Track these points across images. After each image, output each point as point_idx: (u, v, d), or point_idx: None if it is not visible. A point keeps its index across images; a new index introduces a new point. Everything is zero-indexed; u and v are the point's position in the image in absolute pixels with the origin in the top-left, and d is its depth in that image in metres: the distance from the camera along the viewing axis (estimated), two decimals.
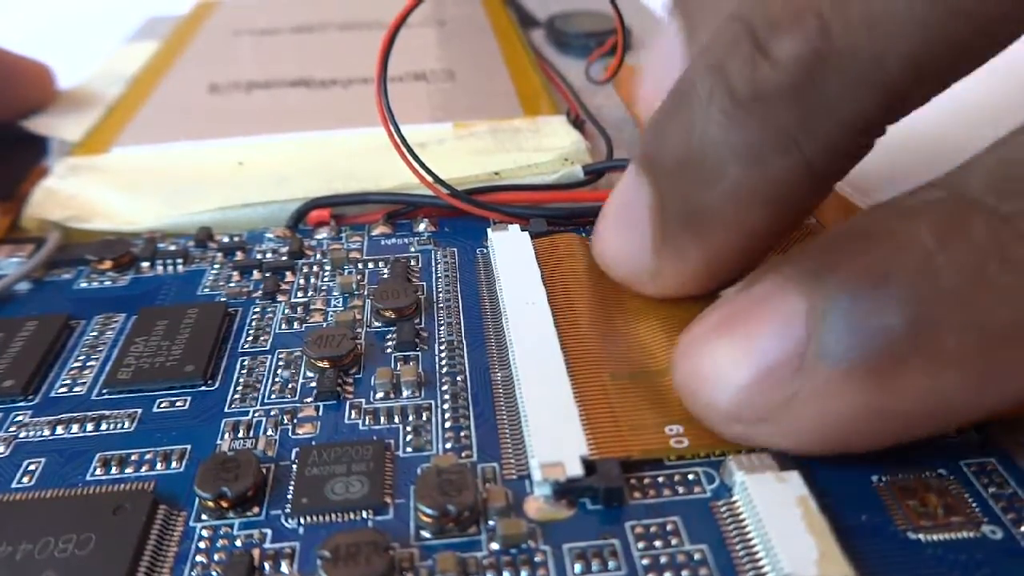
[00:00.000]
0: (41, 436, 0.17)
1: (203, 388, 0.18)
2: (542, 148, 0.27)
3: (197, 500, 0.15)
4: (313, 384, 0.18)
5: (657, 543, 0.14)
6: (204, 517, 0.15)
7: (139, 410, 0.18)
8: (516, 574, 0.14)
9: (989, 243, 0.13)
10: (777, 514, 0.14)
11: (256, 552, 0.14)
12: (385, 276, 0.22)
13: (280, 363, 0.19)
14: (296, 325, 0.20)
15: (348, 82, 0.34)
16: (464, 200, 0.23)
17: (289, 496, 0.15)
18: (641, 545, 0.14)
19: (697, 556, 0.14)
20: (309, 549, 0.14)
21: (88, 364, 0.19)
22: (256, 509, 0.15)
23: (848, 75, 0.15)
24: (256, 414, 0.17)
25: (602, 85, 0.31)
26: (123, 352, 0.19)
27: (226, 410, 0.18)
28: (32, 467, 0.16)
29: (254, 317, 0.20)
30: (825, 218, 0.23)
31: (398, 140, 0.22)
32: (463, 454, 0.16)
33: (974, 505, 0.15)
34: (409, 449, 0.16)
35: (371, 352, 0.19)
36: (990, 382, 0.13)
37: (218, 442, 0.17)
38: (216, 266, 0.23)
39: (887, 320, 0.13)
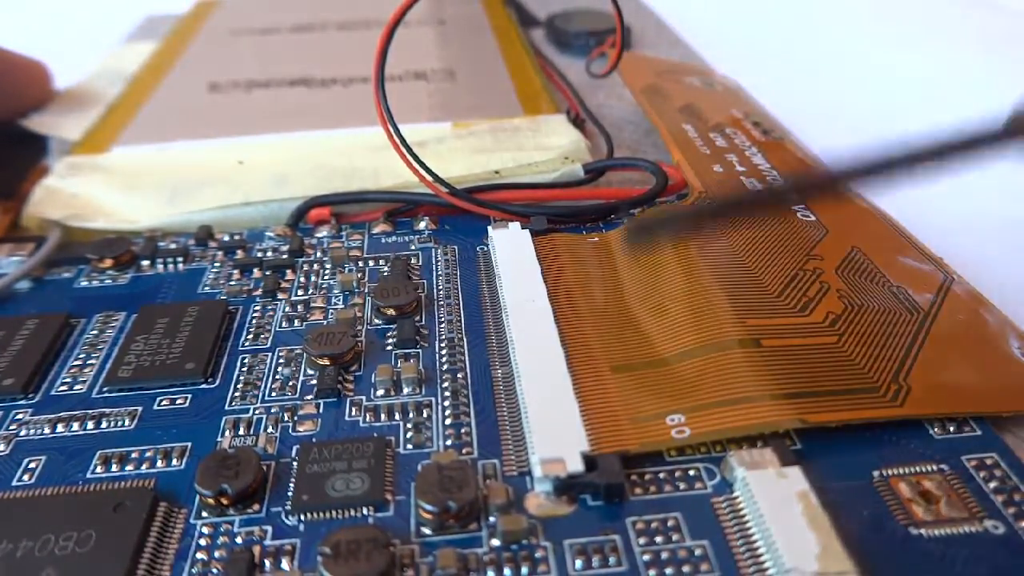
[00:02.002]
0: (41, 434, 0.17)
1: (203, 386, 0.18)
2: (542, 147, 0.27)
3: (197, 497, 0.15)
4: (313, 382, 0.18)
5: (658, 539, 0.14)
6: (205, 514, 0.15)
7: (139, 408, 0.18)
8: (517, 570, 0.14)
9: None
10: (778, 509, 0.14)
11: (257, 549, 0.14)
12: (385, 274, 0.22)
13: (280, 361, 0.19)
14: (296, 323, 0.20)
15: (348, 81, 0.34)
16: (464, 198, 0.23)
17: (290, 493, 0.15)
18: (642, 541, 0.14)
19: (698, 552, 0.14)
20: (310, 546, 0.14)
21: (88, 362, 0.19)
22: (257, 506, 0.15)
23: None
24: (256, 411, 0.17)
25: (602, 80, 0.31)
26: (123, 350, 0.19)
27: (226, 408, 0.18)
28: (32, 465, 0.16)
29: (254, 315, 0.20)
30: (824, 216, 0.23)
31: (396, 139, 0.22)
32: (464, 451, 0.16)
33: (975, 500, 0.15)
34: (410, 446, 0.16)
35: (371, 349, 0.19)
36: None
37: (218, 439, 0.17)
38: (216, 264, 0.23)
39: None
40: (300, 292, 0.21)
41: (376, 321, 0.20)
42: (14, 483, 0.16)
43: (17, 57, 0.31)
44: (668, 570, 0.14)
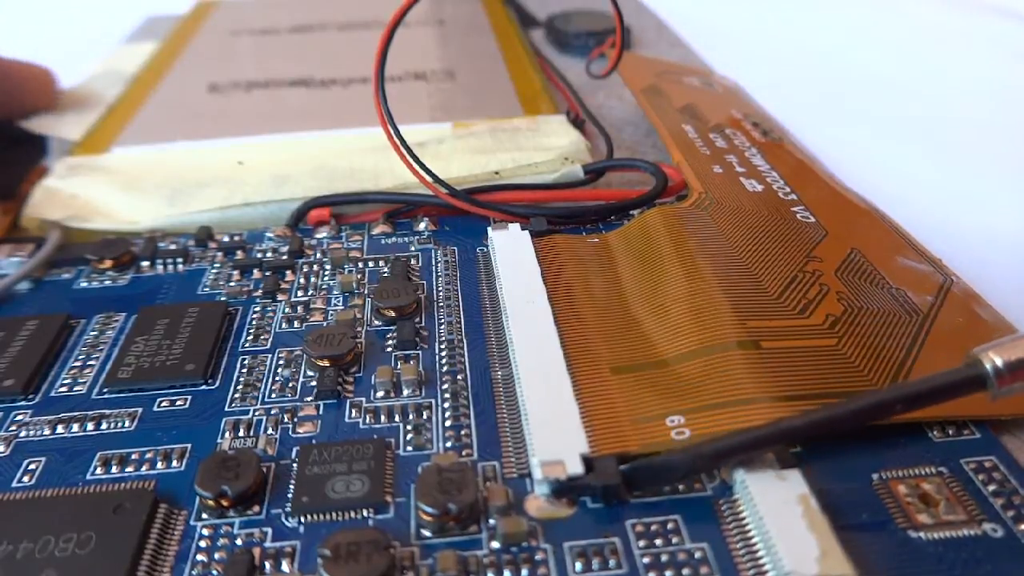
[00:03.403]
0: (41, 435, 0.17)
1: (203, 387, 0.18)
2: (542, 147, 0.27)
3: (198, 499, 0.15)
4: (313, 383, 0.18)
5: (658, 541, 0.14)
6: (205, 516, 0.15)
7: (139, 409, 0.18)
8: (517, 573, 0.14)
9: None
10: (778, 512, 0.14)
11: (257, 551, 0.14)
12: (385, 275, 0.22)
13: (280, 362, 0.19)
14: (296, 324, 0.20)
15: (348, 82, 0.34)
16: (464, 199, 0.23)
17: (290, 495, 0.15)
18: (642, 543, 0.14)
19: (698, 554, 0.14)
20: (310, 548, 0.14)
21: (88, 363, 0.19)
22: (257, 508, 0.15)
23: None
24: (256, 413, 0.17)
25: (602, 80, 0.31)
26: (123, 351, 0.19)
27: (226, 409, 0.18)
28: (32, 466, 0.16)
29: (254, 316, 0.20)
30: (824, 217, 0.23)
31: (396, 140, 0.22)
32: (464, 452, 0.16)
33: (975, 503, 0.15)
34: (410, 448, 0.16)
35: (371, 351, 0.19)
36: None
37: (218, 441, 0.17)
38: (216, 265, 0.23)
39: None
40: (300, 293, 0.21)
41: (376, 322, 0.20)
42: (14, 484, 0.16)
43: (24, 66, 0.31)
44: (668, 572, 0.14)
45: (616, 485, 0.15)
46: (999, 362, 0.14)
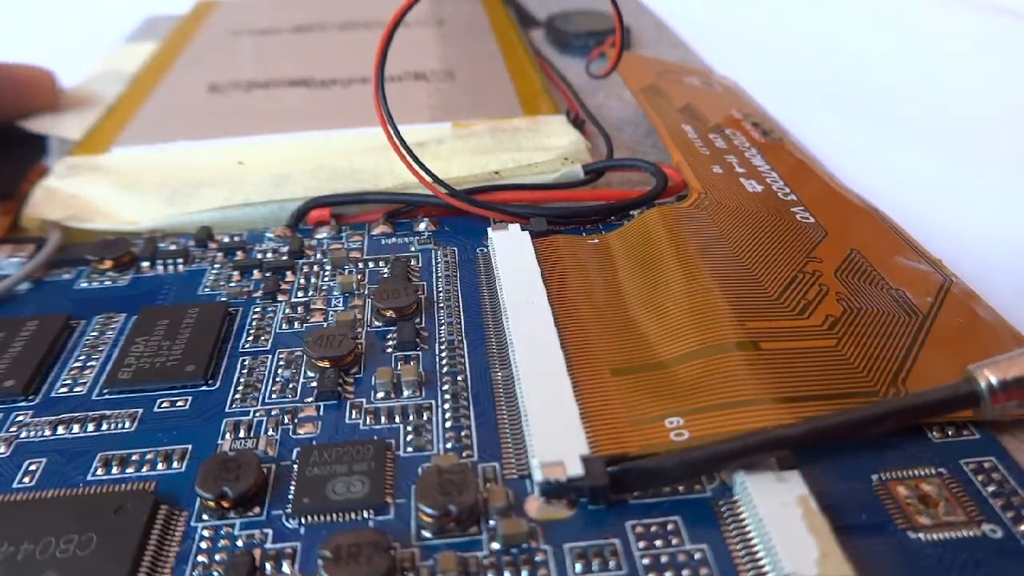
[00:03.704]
0: (42, 436, 0.17)
1: (204, 388, 0.18)
2: (542, 147, 0.27)
3: (198, 500, 0.15)
4: (314, 384, 0.18)
5: (658, 542, 0.14)
6: (205, 517, 0.15)
7: (140, 410, 0.18)
8: (517, 574, 0.14)
9: None
10: (777, 514, 0.14)
11: (257, 552, 0.14)
12: (385, 275, 0.22)
13: (281, 363, 0.19)
14: (297, 325, 0.20)
15: (348, 82, 0.34)
16: (464, 199, 0.23)
17: (290, 496, 0.15)
18: (642, 545, 0.14)
19: (697, 556, 0.14)
20: (310, 549, 0.14)
21: (89, 364, 0.19)
22: (257, 509, 0.15)
23: None
24: (257, 414, 0.17)
25: (602, 80, 0.32)
26: (124, 352, 0.19)
27: (227, 410, 0.18)
28: (33, 467, 0.16)
29: (255, 317, 0.20)
30: (823, 217, 0.23)
31: (396, 140, 0.22)
32: (464, 454, 0.16)
33: (974, 504, 0.15)
34: (410, 449, 0.16)
35: (372, 352, 0.19)
36: None
37: (219, 442, 0.17)
38: (216, 266, 0.23)
39: None
40: (300, 294, 0.21)
41: (376, 323, 0.20)
42: (15, 485, 0.16)
43: (25, 69, 0.31)
44: (668, 574, 0.14)
45: (603, 487, 0.15)
46: (994, 380, 0.14)
